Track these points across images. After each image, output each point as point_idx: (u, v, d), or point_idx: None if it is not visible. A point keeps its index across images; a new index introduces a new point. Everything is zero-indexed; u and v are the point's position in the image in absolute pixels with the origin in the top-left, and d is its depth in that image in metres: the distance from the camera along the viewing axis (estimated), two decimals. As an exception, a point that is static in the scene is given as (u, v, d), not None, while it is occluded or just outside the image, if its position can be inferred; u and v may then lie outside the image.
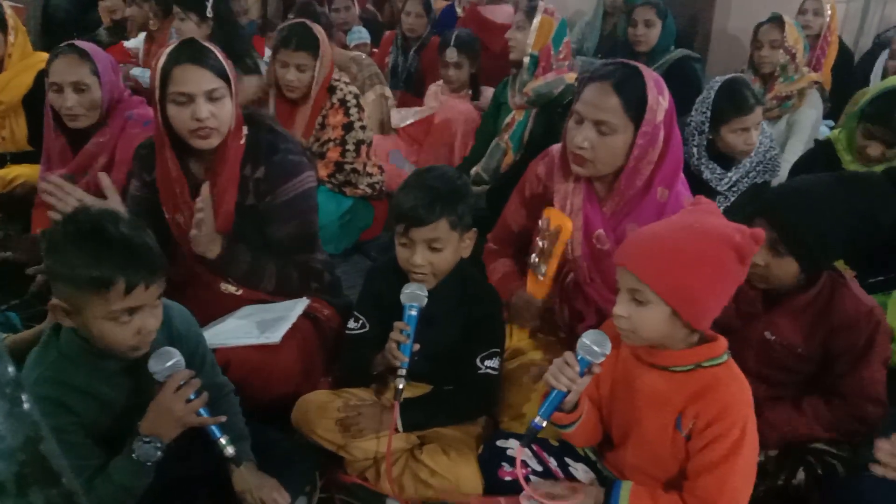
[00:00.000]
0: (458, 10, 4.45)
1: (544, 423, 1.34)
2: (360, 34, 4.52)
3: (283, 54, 2.69)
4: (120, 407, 1.32)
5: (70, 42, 2.25)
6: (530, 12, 2.88)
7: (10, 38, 2.89)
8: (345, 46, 4.27)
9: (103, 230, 1.18)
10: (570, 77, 2.90)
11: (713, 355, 1.30)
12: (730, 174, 2.44)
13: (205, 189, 1.76)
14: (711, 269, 1.23)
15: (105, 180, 1.88)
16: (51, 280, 1.22)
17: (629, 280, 1.26)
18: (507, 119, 3.08)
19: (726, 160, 2.45)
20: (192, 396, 1.29)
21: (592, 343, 1.29)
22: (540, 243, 1.82)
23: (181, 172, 1.81)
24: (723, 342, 1.31)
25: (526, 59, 2.91)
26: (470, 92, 3.54)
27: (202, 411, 1.30)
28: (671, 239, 1.26)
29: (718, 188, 2.45)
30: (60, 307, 1.20)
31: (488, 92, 3.47)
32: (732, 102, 2.35)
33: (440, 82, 3.62)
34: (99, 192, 2.20)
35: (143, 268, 1.19)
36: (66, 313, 1.21)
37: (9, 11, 2.90)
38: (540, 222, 1.83)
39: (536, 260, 1.83)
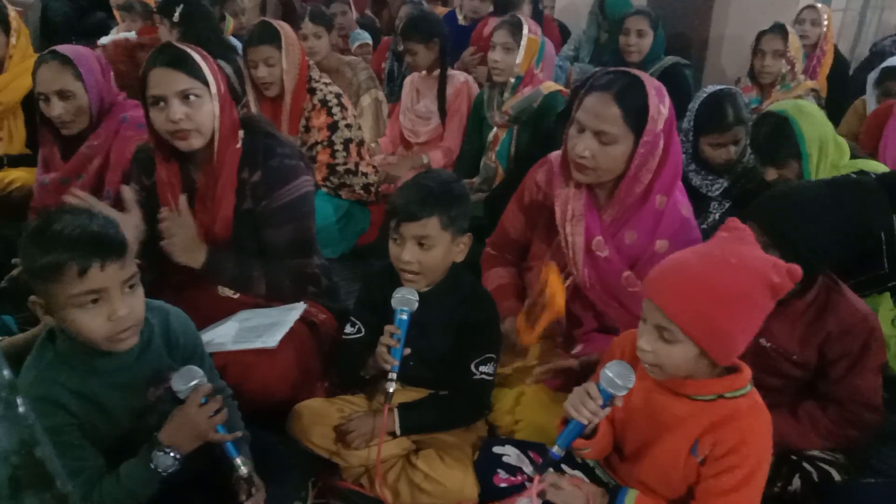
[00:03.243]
0: (460, 18, 4.45)
1: (562, 453, 1.33)
2: (362, 35, 4.55)
3: (250, 53, 2.74)
4: (117, 411, 1.32)
5: (52, 49, 2.22)
6: (515, 32, 2.87)
7: (13, 40, 2.90)
8: (346, 50, 4.28)
9: (54, 221, 1.19)
10: (547, 87, 2.92)
11: (737, 387, 1.27)
12: (720, 181, 2.45)
13: (182, 200, 1.79)
14: (746, 310, 1.19)
15: (127, 193, 1.85)
16: (27, 279, 1.23)
17: (657, 316, 1.21)
18: (491, 136, 3.09)
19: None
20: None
21: (616, 376, 1.25)
22: (536, 298, 1.78)
23: (175, 176, 1.82)
24: (747, 373, 1.28)
25: (512, 80, 2.92)
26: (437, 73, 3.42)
27: (220, 428, 1.31)
28: (705, 276, 1.20)
29: (709, 194, 2.46)
30: (38, 303, 1.22)
31: (456, 74, 3.44)
32: (711, 117, 2.36)
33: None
34: (97, 194, 2.21)
35: (95, 249, 1.18)
36: (43, 309, 1.22)
37: (12, 14, 2.91)
38: (542, 275, 1.80)
39: (530, 308, 1.80)
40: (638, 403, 1.36)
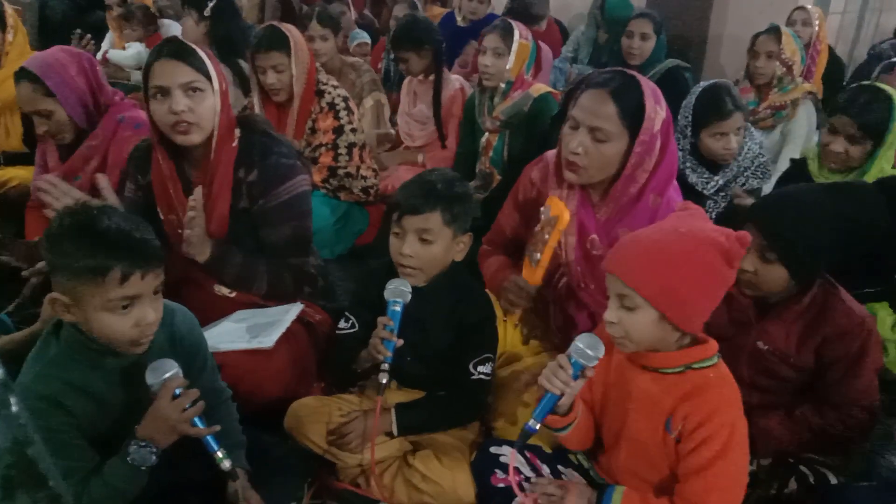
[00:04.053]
0: (458, 19, 4.45)
1: (538, 426, 1.34)
2: (360, 35, 4.56)
3: (258, 59, 2.71)
4: (117, 408, 1.32)
5: (23, 66, 2.18)
6: (506, 37, 2.86)
7: (9, 37, 2.89)
8: (346, 49, 4.27)
9: (99, 221, 1.20)
10: (536, 90, 2.92)
11: (703, 357, 1.30)
12: (716, 178, 2.46)
13: (198, 190, 1.77)
14: (698, 272, 1.24)
15: (102, 181, 1.87)
16: (51, 273, 1.23)
17: (617, 285, 1.27)
18: (483, 141, 3.10)
19: (713, 164, 2.46)
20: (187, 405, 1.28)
21: (586, 347, 1.30)
22: (538, 231, 1.81)
23: (174, 171, 1.81)
24: (713, 344, 1.32)
25: (502, 86, 2.93)
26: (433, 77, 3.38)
27: (198, 421, 1.30)
28: (656, 243, 1.27)
29: (705, 192, 2.47)
30: (60, 301, 1.21)
31: (452, 78, 3.44)
32: (710, 108, 2.38)
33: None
34: (94, 195, 2.20)
35: (139, 256, 1.20)
36: (66, 307, 1.21)
37: (9, 10, 2.90)
38: (541, 210, 1.82)
39: (532, 249, 1.83)
40: (613, 387, 1.40)
